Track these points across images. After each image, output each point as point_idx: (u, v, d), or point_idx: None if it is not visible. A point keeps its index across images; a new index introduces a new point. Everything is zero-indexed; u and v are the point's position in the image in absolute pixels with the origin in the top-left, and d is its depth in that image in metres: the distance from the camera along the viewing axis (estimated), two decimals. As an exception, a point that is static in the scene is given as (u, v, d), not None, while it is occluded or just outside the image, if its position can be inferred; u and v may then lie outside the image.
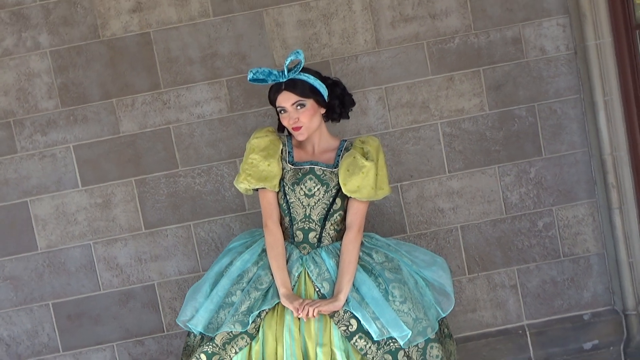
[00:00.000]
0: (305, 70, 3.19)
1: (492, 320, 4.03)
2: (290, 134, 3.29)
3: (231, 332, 3.04)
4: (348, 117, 3.34)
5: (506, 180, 4.00)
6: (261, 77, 3.13)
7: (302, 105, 3.13)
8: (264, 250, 3.21)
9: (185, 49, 3.97)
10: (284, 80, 3.13)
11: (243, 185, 3.21)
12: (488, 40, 3.96)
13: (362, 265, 3.15)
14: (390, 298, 3.07)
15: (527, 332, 4.02)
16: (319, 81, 3.20)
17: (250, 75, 3.13)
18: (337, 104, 3.24)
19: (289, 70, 3.13)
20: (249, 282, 3.12)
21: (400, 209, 3.98)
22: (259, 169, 3.18)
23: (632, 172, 3.98)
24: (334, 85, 3.25)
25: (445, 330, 3.32)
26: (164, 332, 4.06)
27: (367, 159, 3.16)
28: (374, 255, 3.19)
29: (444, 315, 3.20)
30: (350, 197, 3.16)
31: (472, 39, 3.96)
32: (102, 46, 3.95)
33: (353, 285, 3.08)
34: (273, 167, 3.19)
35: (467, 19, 3.96)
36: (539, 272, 4.01)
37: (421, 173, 3.98)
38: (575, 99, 3.97)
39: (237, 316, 3.06)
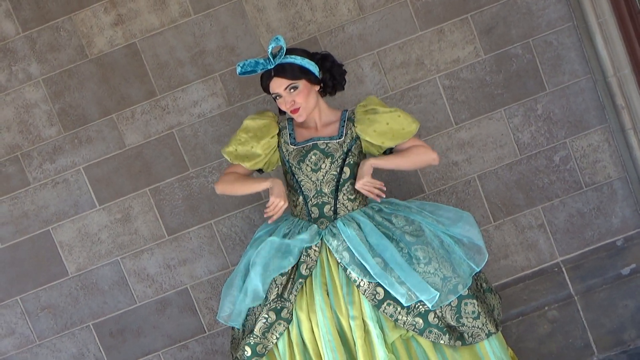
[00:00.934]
0: (291, 51, 3.16)
1: (525, 263, 3.96)
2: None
3: (267, 320, 3.05)
4: (343, 88, 3.30)
5: (515, 121, 3.94)
6: (249, 69, 3.11)
7: (295, 88, 3.11)
8: (284, 235, 3.18)
9: (173, 52, 3.94)
10: (272, 67, 3.11)
11: (226, 156, 3.25)
12: (470, -16, 3.84)
13: (383, 231, 3.11)
14: (414, 261, 3.04)
15: (563, 269, 3.96)
16: (306, 59, 3.16)
17: (238, 69, 3.12)
18: (328, 78, 3.21)
19: (274, 56, 3.10)
20: (274, 269, 3.11)
21: (415, 170, 3.88)
22: (243, 147, 3.19)
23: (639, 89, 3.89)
24: (322, 59, 3.22)
25: (484, 284, 3.27)
26: (205, 332, 4.04)
27: (377, 113, 3.16)
28: (394, 220, 3.15)
29: (478, 270, 3.14)
30: (391, 149, 3.17)
31: (454, -14, 3.84)
32: (91, 65, 3.93)
33: (376, 252, 3.04)
34: (256, 150, 3.18)
35: (444, -34, 3.83)
36: (564, 207, 3.93)
37: (429, 130, 3.91)
38: (569, 27, 3.89)
39: (269, 305, 3.06)
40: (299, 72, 3.12)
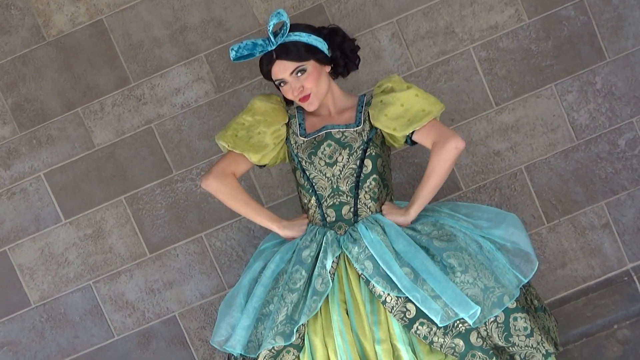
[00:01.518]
0: (294, 28, 3.04)
1: (588, 272, 3.76)
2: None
3: (273, 347, 2.93)
4: (356, 67, 3.18)
5: (569, 98, 3.72)
6: (246, 52, 3.01)
7: (303, 71, 3.02)
8: (298, 247, 3.09)
9: (149, 30, 3.72)
10: (273, 48, 3.00)
11: (223, 143, 3.10)
12: None
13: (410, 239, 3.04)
14: (448, 270, 2.94)
15: (635, 277, 3.76)
16: (313, 36, 3.05)
17: (233, 54, 3.02)
18: (339, 56, 3.12)
19: (275, 35, 3.00)
20: (284, 285, 3.02)
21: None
22: (248, 133, 3.09)
23: None
24: (331, 34, 3.11)
25: (535, 302, 3.12)
26: None
27: (394, 91, 3.06)
28: (419, 227, 3.06)
29: (526, 281, 2.99)
30: (411, 133, 3.06)
31: None
32: (50, 49, 3.72)
33: (404, 260, 2.95)
34: (264, 137, 3.08)
35: None
36: (633, 201, 3.72)
37: (463, 113, 3.68)
38: None
39: (276, 328, 2.93)
40: (306, 52, 3.02)
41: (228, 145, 3.07)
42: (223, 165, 3.11)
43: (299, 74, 3.01)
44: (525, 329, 2.90)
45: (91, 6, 3.66)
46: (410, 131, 2.99)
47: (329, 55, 3.07)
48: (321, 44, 3.04)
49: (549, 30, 3.66)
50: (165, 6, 3.64)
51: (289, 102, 3.19)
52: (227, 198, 3.10)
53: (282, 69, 3.01)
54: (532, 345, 2.91)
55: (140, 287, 3.77)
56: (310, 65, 3.02)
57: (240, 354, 3.03)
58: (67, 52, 3.67)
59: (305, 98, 3.03)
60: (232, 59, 3.01)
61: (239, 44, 3.00)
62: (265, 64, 3.04)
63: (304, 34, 3.02)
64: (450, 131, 2.98)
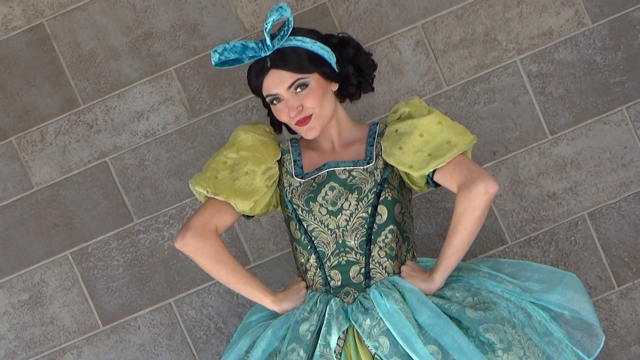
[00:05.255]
0: (296, 31, 2.78)
1: None
2: (293, 134, 2.93)
3: None
4: (372, 88, 2.90)
5: None
6: (232, 56, 2.76)
7: (304, 86, 2.74)
8: (295, 320, 2.82)
9: (103, 36, 3.39)
10: (268, 53, 2.73)
11: (199, 189, 2.82)
12: None
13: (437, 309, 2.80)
14: (485, 348, 2.67)
15: None
16: (319, 43, 2.77)
17: (215, 57, 2.74)
18: (351, 72, 2.84)
19: (272, 38, 2.74)
20: None
21: (490, 209, 3.17)
22: (232, 173, 2.81)
23: None
24: (341, 44, 2.84)
25: None
26: None
27: (412, 118, 2.81)
28: (448, 293, 2.80)
29: None
30: (432, 172, 2.81)
31: None
32: None
33: (430, 336, 2.71)
34: (253, 179, 2.79)
35: None
36: None
37: (508, 144, 3.32)
38: None
39: None
40: (310, 62, 2.76)
41: (207, 192, 2.77)
42: (203, 219, 2.80)
43: (299, 89, 2.73)
44: None
45: (29, 6, 3.37)
46: (431, 170, 2.71)
47: (337, 71, 2.80)
48: (329, 55, 2.78)
49: (619, 37, 3.32)
50: (125, 6, 3.34)
51: (278, 129, 2.93)
52: (210, 263, 2.81)
53: (277, 82, 2.73)
54: None
55: None
56: (314, 79, 2.74)
57: None
58: None
59: (305, 121, 2.74)
60: (213, 63, 2.73)
61: (225, 45, 2.74)
62: (256, 74, 2.75)
63: (308, 40, 2.77)
64: (481, 170, 2.74)
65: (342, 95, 2.86)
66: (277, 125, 2.89)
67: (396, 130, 2.80)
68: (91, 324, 3.38)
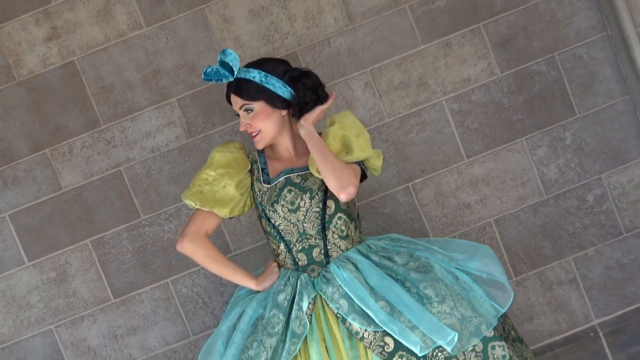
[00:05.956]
0: (259, 63, 3.10)
1: (554, 327, 3.79)
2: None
3: None
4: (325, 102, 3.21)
5: (539, 153, 3.79)
6: (212, 77, 3.11)
7: (250, 110, 3.08)
8: (273, 291, 3.13)
9: (121, 73, 3.73)
10: (230, 80, 3.10)
11: (189, 202, 3.14)
12: (483, -11, 3.78)
13: (385, 272, 3.07)
14: (425, 301, 2.98)
15: (600, 333, 3.80)
16: (271, 77, 3.07)
17: (203, 75, 3.10)
18: (309, 97, 3.11)
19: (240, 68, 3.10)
20: (262, 330, 3.05)
21: (418, 214, 3.71)
22: (212, 188, 3.13)
23: (691, 113, 3.67)
24: (302, 76, 3.13)
25: (512, 333, 3.12)
26: None
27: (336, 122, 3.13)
28: (396, 258, 3.10)
29: (503, 311, 3.02)
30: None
31: (462, -10, 3.79)
32: (20, 89, 3.74)
33: (379, 294, 3.02)
34: (229, 190, 3.12)
35: (453, -32, 3.75)
36: (601, 257, 3.77)
37: (434, 165, 3.73)
38: (603, 38, 3.79)
39: None
40: (256, 92, 3.08)
41: (195, 204, 3.10)
42: (195, 227, 3.15)
43: (248, 112, 3.07)
44: (504, 357, 2.93)
45: (63, 47, 3.66)
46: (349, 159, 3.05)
47: (290, 99, 3.09)
48: (279, 87, 3.07)
49: (521, 84, 3.72)
50: (139, 50, 3.66)
51: None
52: (204, 260, 3.14)
53: (234, 102, 3.09)
54: None
55: (103, 333, 3.75)
56: (259, 105, 3.06)
57: None
58: (37, 92, 3.68)
59: (254, 136, 3.10)
60: (203, 78, 3.08)
61: (210, 67, 3.06)
62: (227, 91, 3.13)
63: (258, 74, 3.06)
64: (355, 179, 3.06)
65: (301, 113, 3.11)
66: None
67: (329, 130, 3.11)
68: (104, 297, 3.75)
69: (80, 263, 3.74)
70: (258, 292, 3.15)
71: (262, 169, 3.16)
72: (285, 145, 3.15)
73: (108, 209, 3.74)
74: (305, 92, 3.09)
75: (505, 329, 3.10)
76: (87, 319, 3.75)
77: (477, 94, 3.71)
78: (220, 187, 3.12)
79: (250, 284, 3.11)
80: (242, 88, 3.05)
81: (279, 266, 3.15)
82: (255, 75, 3.05)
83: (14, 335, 3.72)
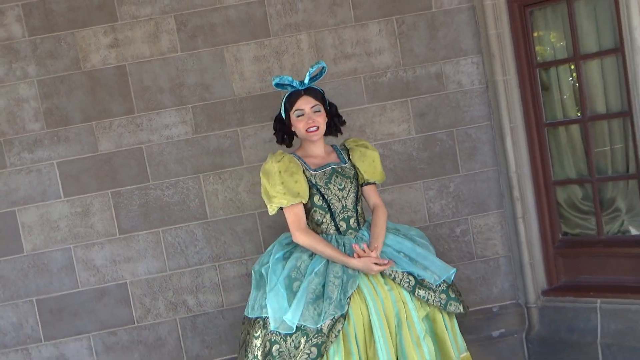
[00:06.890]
0: (317, 82, 3.43)
1: None
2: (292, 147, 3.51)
3: (333, 317, 3.16)
4: (341, 133, 3.58)
5: (430, 193, 4.34)
6: (285, 82, 3.33)
7: (319, 111, 3.36)
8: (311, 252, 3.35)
9: (157, 80, 4.24)
10: (304, 88, 3.34)
11: (276, 206, 3.32)
12: (415, 75, 4.29)
13: (394, 235, 3.43)
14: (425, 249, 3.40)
15: None
16: (324, 94, 3.44)
17: (275, 81, 3.33)
18: (334, 122, 3.48)
19: (310, 79, 3.37)
20: (333, 275, 3.24)
21: None
22: (290, 187, 3.31)
23: (533, 187, 4.30)
24: (331, 104, 3.50)
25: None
26: (134, 324, 4.31)
27: (367, 148, 3.48)
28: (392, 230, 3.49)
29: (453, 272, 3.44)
30: (366, 183, 3.47)
31: (401, 73, 4.30)
32: (83, 76, 4.21)
33: (395, 249, 3.34)
34: (301, 182, 3.33)
35: (397, 57, 4.30)
36: (457, 271, 3.96)
37: None
38: (487, 125, 4.32)
39: (333, 303, 3.18)
40: (322, 99, 3.39)
41: (286, 204, 3.30)
42: (298, 221, 3.35)
43: (316, 111, 3.34)
44: (458, 292, 3.42)
45: (120, 54, 4.19)
46: (369, 181, 3.44)
47: (328, 114, 3.40)
48: (326, 103, 3.41)
49: (427, 145, 4.28)
50: (173, 67, 4.21)
51: (281, 141, 3.47)
52: (315, 246, 3.31)
53: (305, 102, 3.32)
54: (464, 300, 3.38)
55: (106, 257, 4.23)
56: (323, 108, 3.38)
57: (301, 325, 3.19)
58: (95, 81, 4.18)
59: (314, 129, 3.32)
60: (273, 84, 3.32)
61: (282, 76, 3.32)
62: (294, 97, 3.33)
63: (320, 90, 3.40)
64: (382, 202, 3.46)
65: (327, 129, 3.44)
66: (287, 141, 3.42)
67: (361, 151, 3.46)
68: (112, 232, 4.24)
69: (100, 205, 4.22)
70: (291, 254, 3.33)
71: (303, 162, 3.39)
72: (318, 145, 3.41)
73: (128, 172, 4.22)
74: (332, 115, 3.44)
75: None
76: (97, 245, 4.24)
77: (397, 145, 4.27)
78: (293, 182, 3.32)
79: (352, 261, 3.27)
80: (316, 93, 3.33)
81: (322, 232, 3.35)
82: (320, 90, 3.38)
83: (43, 247, 4.23)
